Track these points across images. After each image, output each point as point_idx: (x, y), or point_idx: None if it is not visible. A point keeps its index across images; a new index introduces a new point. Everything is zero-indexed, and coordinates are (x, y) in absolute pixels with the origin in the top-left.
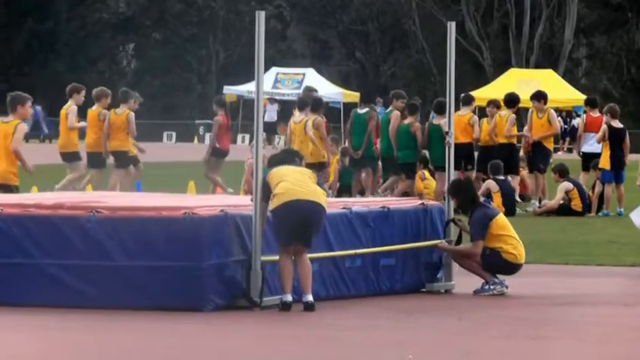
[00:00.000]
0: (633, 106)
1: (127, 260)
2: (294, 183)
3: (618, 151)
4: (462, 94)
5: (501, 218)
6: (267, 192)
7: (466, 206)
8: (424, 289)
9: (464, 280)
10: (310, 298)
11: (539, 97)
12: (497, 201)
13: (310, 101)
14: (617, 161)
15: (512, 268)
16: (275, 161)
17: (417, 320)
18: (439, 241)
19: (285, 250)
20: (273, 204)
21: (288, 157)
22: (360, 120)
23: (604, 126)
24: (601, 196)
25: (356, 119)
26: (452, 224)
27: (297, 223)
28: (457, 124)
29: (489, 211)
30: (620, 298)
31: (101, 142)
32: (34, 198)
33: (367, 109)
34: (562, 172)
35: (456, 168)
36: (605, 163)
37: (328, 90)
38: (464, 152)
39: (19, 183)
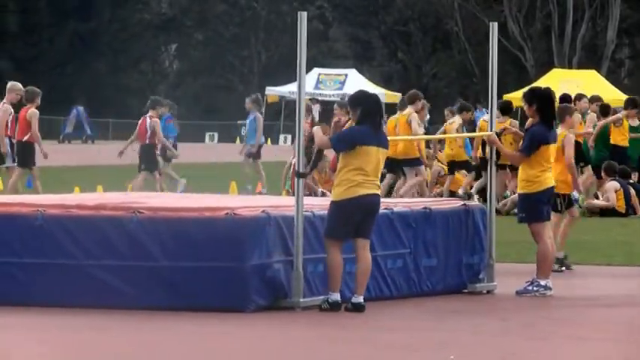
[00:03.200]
0: None
1: (169, 261)
2: (371, 173)
3: None
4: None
5: (552, 148)
6: (348, 145)
7: (543, 114)
8: (466, 290)
9: (506, 281)
10: (362, 299)
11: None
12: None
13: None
14: None
15: (544, 196)
16: (366, 112)
17: (459, 321)
18: (491, 132)
19: (338, 244)
20: (343, 194)
21: (379, 111)
22: None
23: None
24: None
25: None
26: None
27: (362, 218)
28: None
29: (550, 134)
30: None
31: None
32: (75, 199)
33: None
34: (610, 171)
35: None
36: None
37: (370, 91)
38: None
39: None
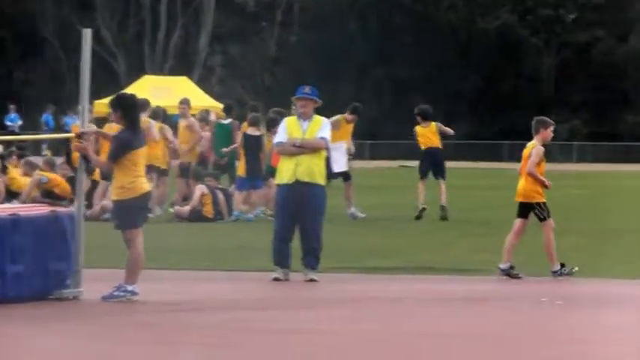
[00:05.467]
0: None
1: None
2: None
3: (254, 158)
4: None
5: (143, 152)
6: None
7: (129, 120)
8: (52, 296)
9: (95, 286)
10: None
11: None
12: None
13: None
14: (253, 169)
15: (139, 202)
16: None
17: (44, 326)
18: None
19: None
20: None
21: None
22: (224, 130)
23: (242, 134)
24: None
25: (219, 129)
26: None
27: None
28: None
29: (137, 140)
30: (249, 303)
31: None
32: None
33: (230, 119)
34: (198, 176)
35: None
36: (241, 170)
37: None
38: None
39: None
